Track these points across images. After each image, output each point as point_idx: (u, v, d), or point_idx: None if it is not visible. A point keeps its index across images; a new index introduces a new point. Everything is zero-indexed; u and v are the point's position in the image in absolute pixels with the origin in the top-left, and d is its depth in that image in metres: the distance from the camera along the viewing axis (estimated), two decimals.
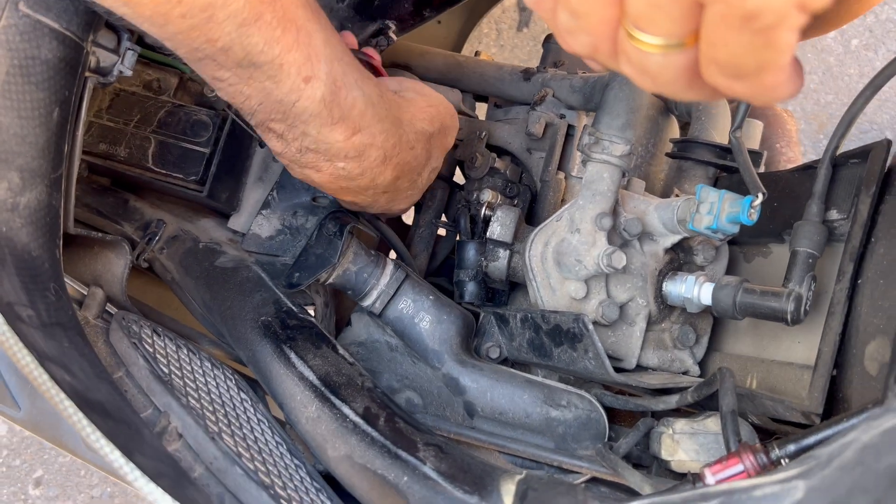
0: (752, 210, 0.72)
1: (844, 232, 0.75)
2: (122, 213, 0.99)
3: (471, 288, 0.95)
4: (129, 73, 0.68)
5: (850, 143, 0.77)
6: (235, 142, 0.93)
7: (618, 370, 0.79)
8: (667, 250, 0.83)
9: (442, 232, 1.11)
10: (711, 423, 0.74)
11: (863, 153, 0.74)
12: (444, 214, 1.08)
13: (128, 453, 0.44)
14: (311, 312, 0.88)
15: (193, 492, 0.50)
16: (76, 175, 0.68)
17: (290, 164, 0.74)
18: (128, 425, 0.52)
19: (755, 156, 0.89)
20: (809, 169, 0.82)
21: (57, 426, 0.66)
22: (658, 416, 0.82)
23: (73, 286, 0.77)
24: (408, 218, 1.20)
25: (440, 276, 1.08)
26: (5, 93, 0.58)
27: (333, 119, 0.65)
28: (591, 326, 0.74)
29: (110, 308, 0.79)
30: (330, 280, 0.86)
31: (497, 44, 1.88)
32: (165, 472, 0.45)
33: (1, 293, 0.52)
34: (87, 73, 0.66)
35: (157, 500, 0.41)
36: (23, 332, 0.48)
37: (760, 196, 0.72)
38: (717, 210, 0.74)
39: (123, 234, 0.93)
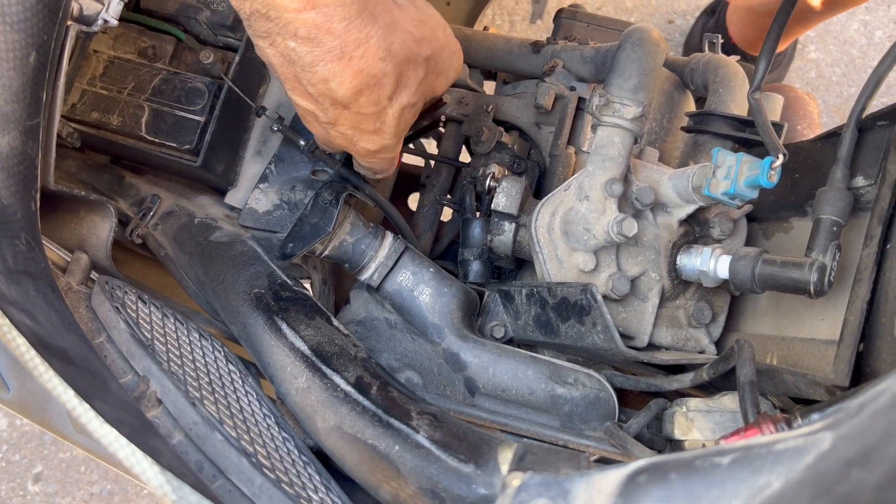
0: (773, 172, 0.67)
1: (871, 200, 0.71)
2: (117, 189, 0.96)
3: (475, 267, 0.91)
4: (114, 22, 0.65)
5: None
6: (232, 112, 0.89)
7: (629, 348, 0.75)
8: (681, 222, 0.79)
9: (447, 216, 1.07)
10: (728, 401, 0.69)
11: (891, 113, 0.69)
12: (449, 195, 1.04)
13: (87, 398, 0.40)
14: (308, 286, 0.84)
15: (158, 443, 0.46)
16: (56, 128, 0.64)
17: (248, 29, 0.66)
18: (92, 374, 0.49)
19: (776, 127, 0.85)
20: (833, 136, 0.77)
21: (45, 408, 0.62)
22: (671, 398, 0.77)
23: (56, 252, 0.73)
24: (413, 203, 1.16)
25: (445, 259, 1.04)
26: None
27: None
28: (599, 297, 0.69)
29: (95, 276, 0.75)
30: (326, 252, 0.83)
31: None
32: (127, 420, 0.41)
33: None
34: (69, 21, 0.63)
35: (111, 444, 0.37)
36: None
37: (781, 157, 0.68)
38: (735, 174, 0.69)
39: (118, 210, 0.90)
